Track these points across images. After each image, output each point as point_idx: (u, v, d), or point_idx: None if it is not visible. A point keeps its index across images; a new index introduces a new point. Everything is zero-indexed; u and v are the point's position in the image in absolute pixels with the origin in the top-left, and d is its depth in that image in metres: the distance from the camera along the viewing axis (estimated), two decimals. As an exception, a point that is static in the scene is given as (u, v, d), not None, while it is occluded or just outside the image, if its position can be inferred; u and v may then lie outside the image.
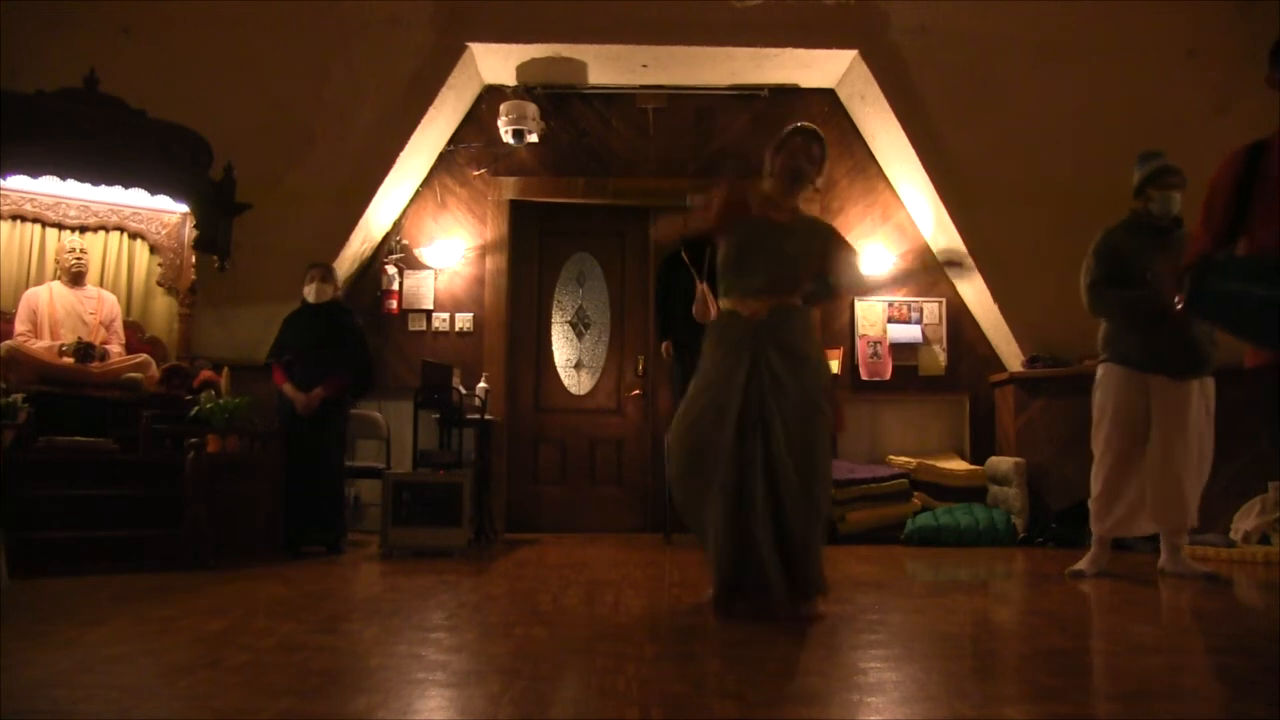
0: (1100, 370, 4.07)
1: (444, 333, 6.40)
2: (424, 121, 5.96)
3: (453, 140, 6.46)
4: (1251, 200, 2.50)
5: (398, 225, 6.43)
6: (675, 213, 3.31)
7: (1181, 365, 3.85)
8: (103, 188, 4.99)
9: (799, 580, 2.82)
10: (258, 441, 4.78)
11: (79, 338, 4.86)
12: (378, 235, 6.37)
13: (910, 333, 6.40)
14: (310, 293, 5.09)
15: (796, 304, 3.05)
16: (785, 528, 2.80)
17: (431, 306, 6.41)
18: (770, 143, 3.14)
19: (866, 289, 3.13)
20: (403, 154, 5.94)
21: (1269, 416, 2.46)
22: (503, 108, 6.19)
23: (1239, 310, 2.34)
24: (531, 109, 6.21)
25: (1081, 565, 4.01)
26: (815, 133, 3.11)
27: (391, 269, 6.36)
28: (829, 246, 3.13)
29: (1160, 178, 3.99)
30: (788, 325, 2.99)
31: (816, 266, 3.11)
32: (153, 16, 5.66)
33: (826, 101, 6.50)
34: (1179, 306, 2.44)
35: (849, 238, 6.32)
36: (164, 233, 5.42)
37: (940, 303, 6.43)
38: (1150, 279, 3.71)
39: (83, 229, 5.23)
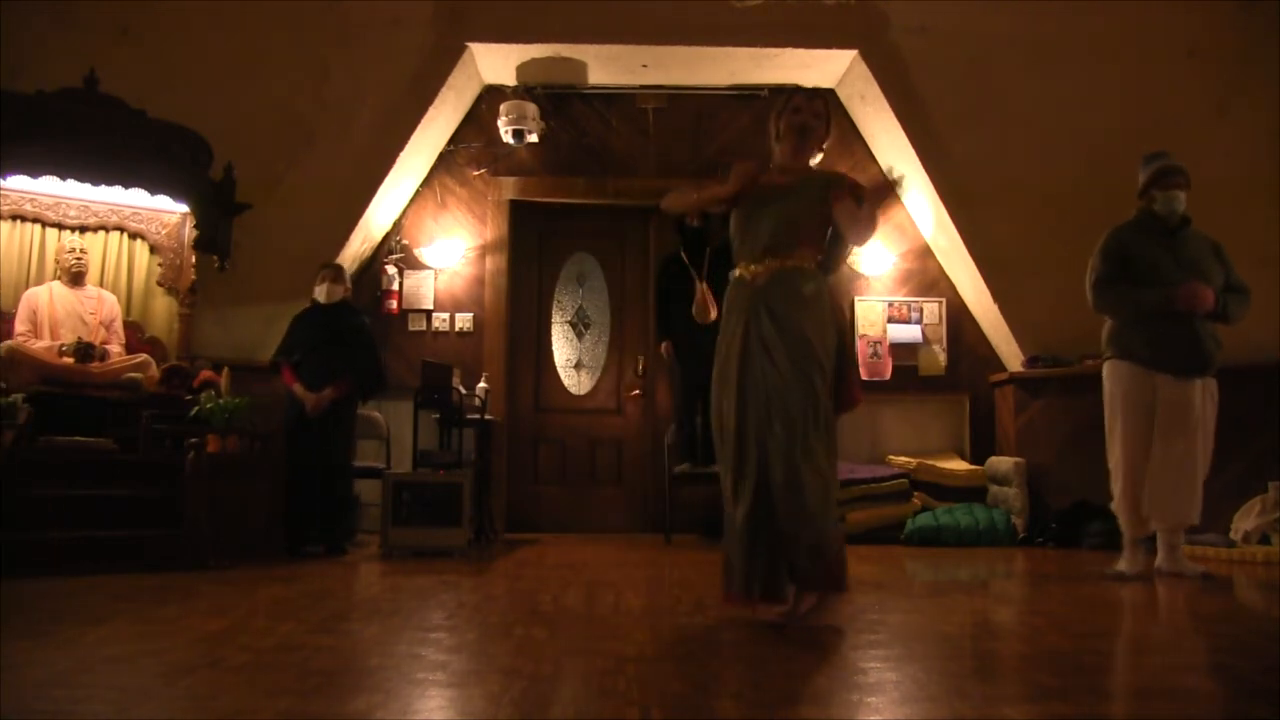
0: (1106, 367, 4.07)
1: (444, 333, 6.40)
2: (424, 121, 5.96)
3: (453, 140, 6.46)
4: None
5: (398, 225, 6.43)
6: (687, 185, 3.18)
7: (1186, 364, 3.86)
8: (103, 188, 4.99)
9: (798, 574, 2.64)
10: (258, 441, 4.78)
11: (79, 338, 4.86)
12: (378, 235, 6.37)
13: (910, 333, 6.40)
14: (321, 293, 5.14)
15: (803, 266, 2.82)
16: (772, 509, 2.63)
17: (431, 306, 6.41)
18: (774, 108, 3.02)
19: (860, 230, 2.87)
20: (403, 154, 5.94)
21: None
22: (503, 108, 6.19)
23: None
24: (531, 109, 6.21)
25: (1122, 566, 3.98)
26: (816, 91, 3.06)
27: (391, 269, 6.36)
28: (833, 195, 2.85)
29: (1163, 178, 4.00)
30: (782, 288, 2.78)
31: (825, 222, 2.87)
32: (152, 16, 5.66)
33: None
34: None
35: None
36: (164, 233, 5.42)
37: (940, 303, 6.44)
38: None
39: (83, 229, 5.23)
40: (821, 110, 2.98)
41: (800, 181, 2.91)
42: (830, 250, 2.98)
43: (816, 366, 2.72)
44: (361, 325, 5.24)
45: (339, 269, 5.28)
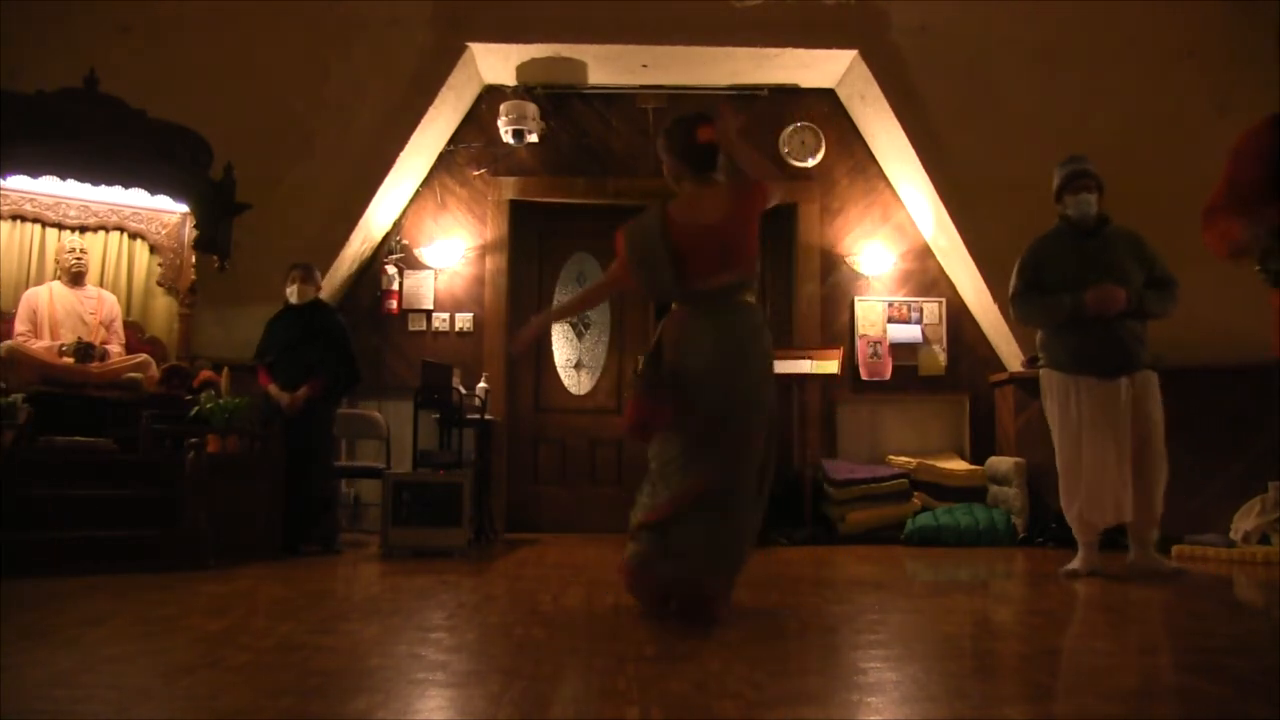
0: (1040, 376, 4.16)
1: (444, 333, 6.40)
2: (424, 121, 5.96)
3: (453, 140, 6.46)
4: None
5: (398, 225, 6.43)
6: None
7: (1108, 365, 3.90)
8: (103, 188, 5.00)
9: None
10: (258, 441, 4.78)
11: (79, 338, 4.86)
12: (378, 235, 6.37)
13: (910, 333, 6.40)
14: (292, 294, 5.09)
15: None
16: None
17: (431, 306, 6.41)
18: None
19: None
20: (403, 154, 5.94)
21: None
22: (503, 108, 6.19)
23: None
24: (531, 109, 6.21)
25: (1075, 565, 4.03)
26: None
27: (391, 269, 6.36)
28: None
29: (1072, 182, 4.07)
30: None
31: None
32: (152, 16, 5.66)
33: (826, 101, 6.50)
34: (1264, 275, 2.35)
35: (849, 238, 6.43)
36: (164, 233, 5.42)
37: (940, 303, 6.43)
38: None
39: (83, 229, 5.23)
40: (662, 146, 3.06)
41: None
42: None
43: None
44: (334, 324, 5.17)
45: (309, 268, 5.18)
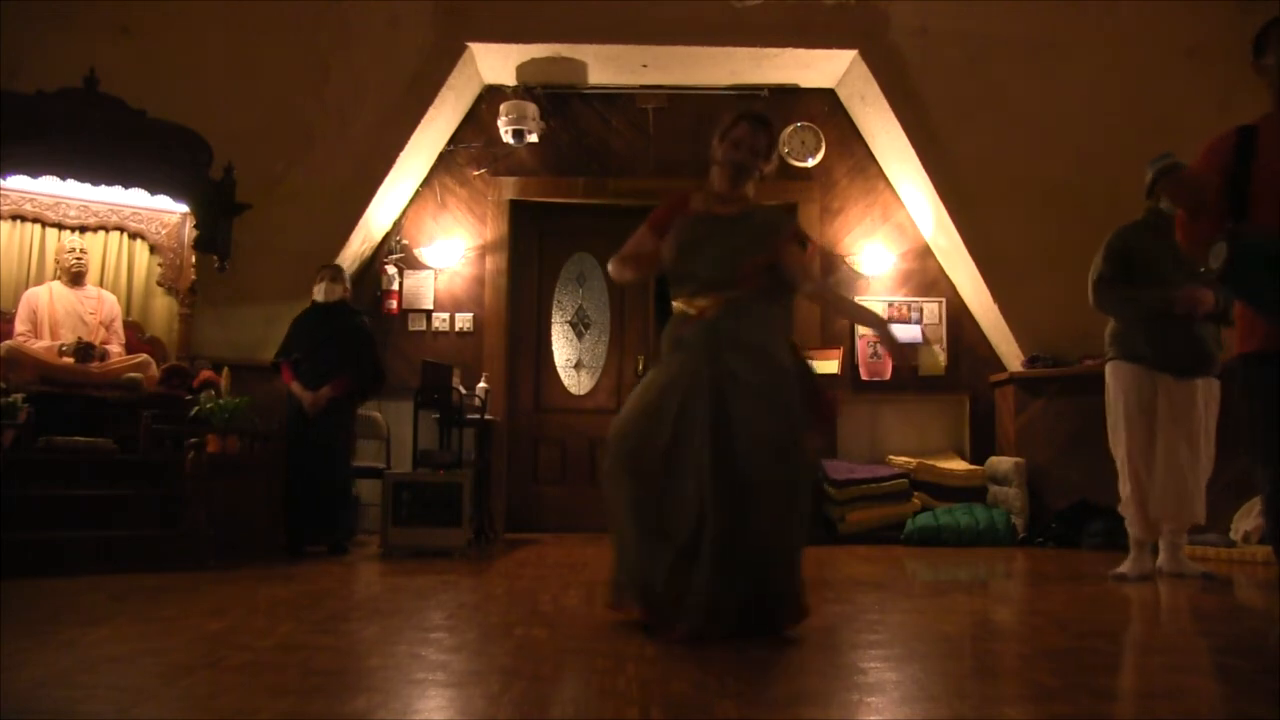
0: (1109, 368, 4.08)
1: (444, 333, 6.40)
2: (424, 121, 5.96)
3: (453, 140, 6.46)
4: (1250, 182, 2.45)
5: (398, 225, 6.43)
6: (623, 256, 3.02)
7: (1188, 364, 3.87)
8: (103, 188, 4.99)
9: (771, 602, 2.56)
10: (258, 441, 4.78)
11: (79, 338, 4.86)
12: (378, 235, 6.37)
13: (910, 333, 6.40)
14: (319, 292, 5.15)
15: (750, 296, 2.76)
16: (748, 542, 2.53)
17: (431, 306, 6.41)
18: (717, 128, 2.90)
19: (813, 290, 2.99)
20: (403, 154, 5.94)
21: (1268, 406, 2.31)
22: (503, 108, 6.19)
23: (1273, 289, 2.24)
24: (531, 109, 6.21)
25: (1124, 569, 3.96)
26: (763, 119, 2.87)
27: (391, 269, 6.36)
28: (780, 241, 2.84)
29: (1169, 174, 4.01)
30: (744, 319, 2.72)
31: (767, 262, 2.81)
32: (153, 16, 5.66)
33: (826, 101, 6.50)
34: (1219, 281, 2.30)
35: (849, 238, 6.43)
36: (164, 233, 5.42)
37: (940, 303, 6.43)
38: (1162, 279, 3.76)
39: (83, 229, 5.23)
40: (763, 147, 2.84)
41: (742, 215, 2.84)
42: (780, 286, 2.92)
43: (790, 392, 2.66)
44: (360, 325, 5.25)
45: (338, 269, 5.30)
